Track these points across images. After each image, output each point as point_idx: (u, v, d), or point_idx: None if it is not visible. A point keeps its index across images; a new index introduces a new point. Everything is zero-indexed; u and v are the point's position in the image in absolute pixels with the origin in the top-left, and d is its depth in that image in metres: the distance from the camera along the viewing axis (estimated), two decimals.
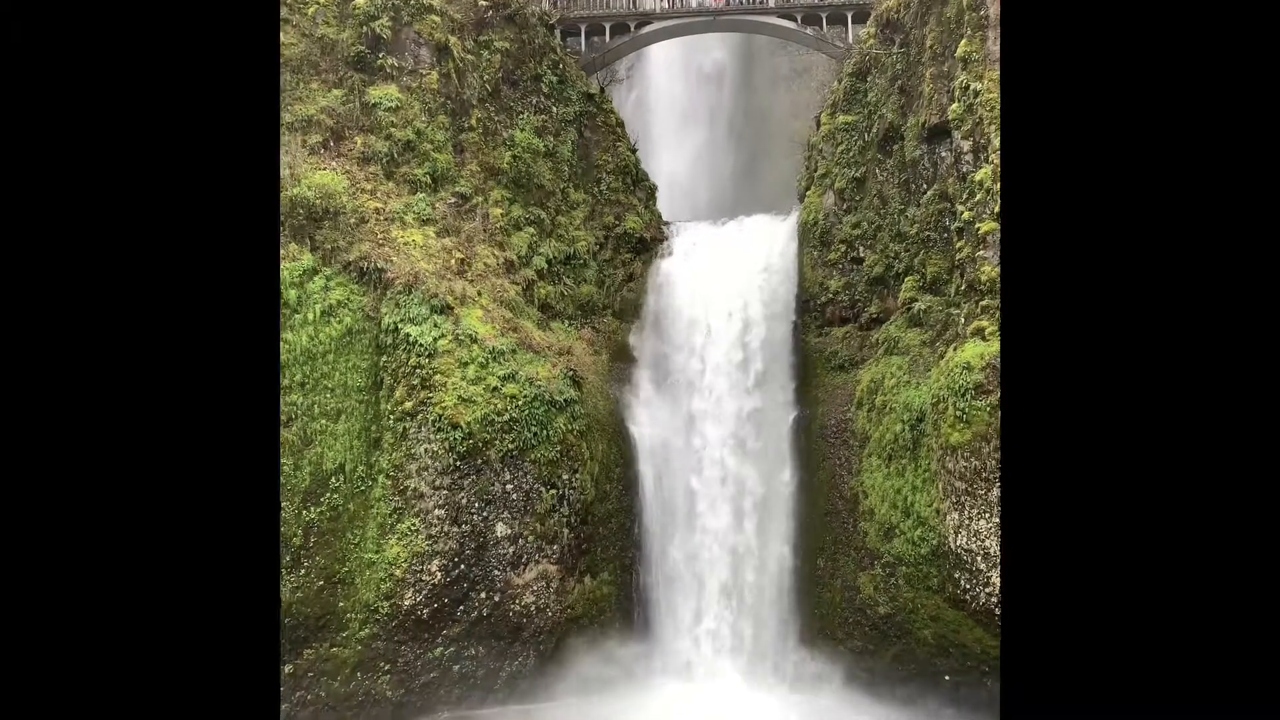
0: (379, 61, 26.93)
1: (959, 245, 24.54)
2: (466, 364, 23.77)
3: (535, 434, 23.76)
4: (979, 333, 22.77)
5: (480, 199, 27.21)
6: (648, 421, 27.04)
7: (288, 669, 22.30)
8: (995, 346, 21.98)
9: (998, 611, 21.35)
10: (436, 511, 22.96)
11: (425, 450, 23.10)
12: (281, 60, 26.04)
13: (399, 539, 22.86)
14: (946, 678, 22.59)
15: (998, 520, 21.42)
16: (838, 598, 24.53)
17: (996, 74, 23.63)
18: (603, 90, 32.03)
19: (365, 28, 26.95)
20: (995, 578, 21.48)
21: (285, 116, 25.57)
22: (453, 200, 26.73)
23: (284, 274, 23.78)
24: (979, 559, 21.69)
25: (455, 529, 22.97)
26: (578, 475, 24.39)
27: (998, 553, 21.40)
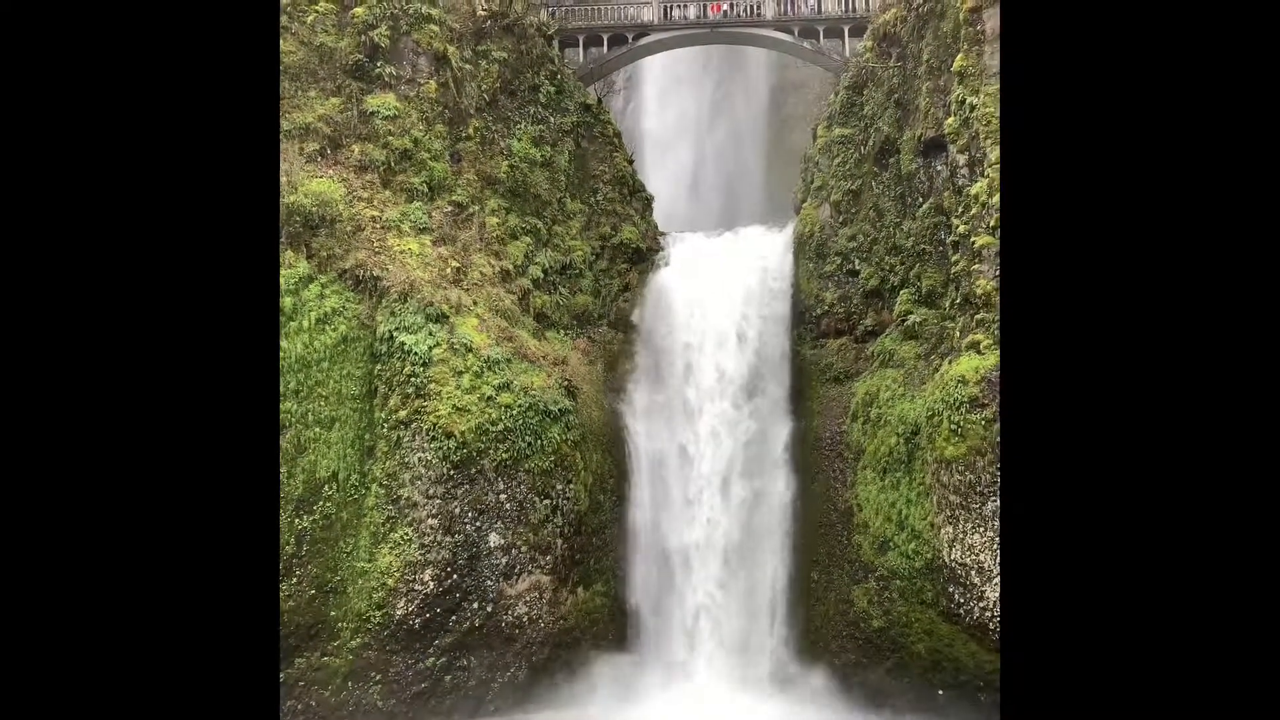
0: (377, 70, 26.96)
1: (954, 259, 24.60)
2: (461, 373, 23.73)
3: (529, 444, 23.71)
4: (974, 346, 22.80)
5: (477, 208, 27.21)
6: (642, 432, 27.01)
7: (279, 677, 22.16)
8: (990, 360, 22.00)
9: (992, 626, 21.32)
10: (429, 521, 22.88)
11: (419, 459, 23.04)
12: (280, 68, 26.04)
13: (391, 548, 22.77)
14: (940, 692, 22.53)
15: (992, 534, 21.41)
16: (831, 611, 24.48)
17: (992, 88, 23.73)
18: (600, 101, 32.09)
19: (364, 36, 26.97)
20: (989, 592, 21.46)
21: (283, 124, 25.55)
22: (449, 209, 26.73)
23: (280, 281, 23.72)
24: (973, 573, 21.67)
25: (448, 538, 22.90)
26: (572, 485, 24.34)
27: (992, 567, 21.39)
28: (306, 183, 24.91)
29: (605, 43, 32.46)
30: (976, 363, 22.30)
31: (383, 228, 25.47)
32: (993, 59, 24.01)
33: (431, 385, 23.43)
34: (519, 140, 28.79)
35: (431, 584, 22.72)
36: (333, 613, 22.73)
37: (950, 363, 23.21)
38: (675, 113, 44.14)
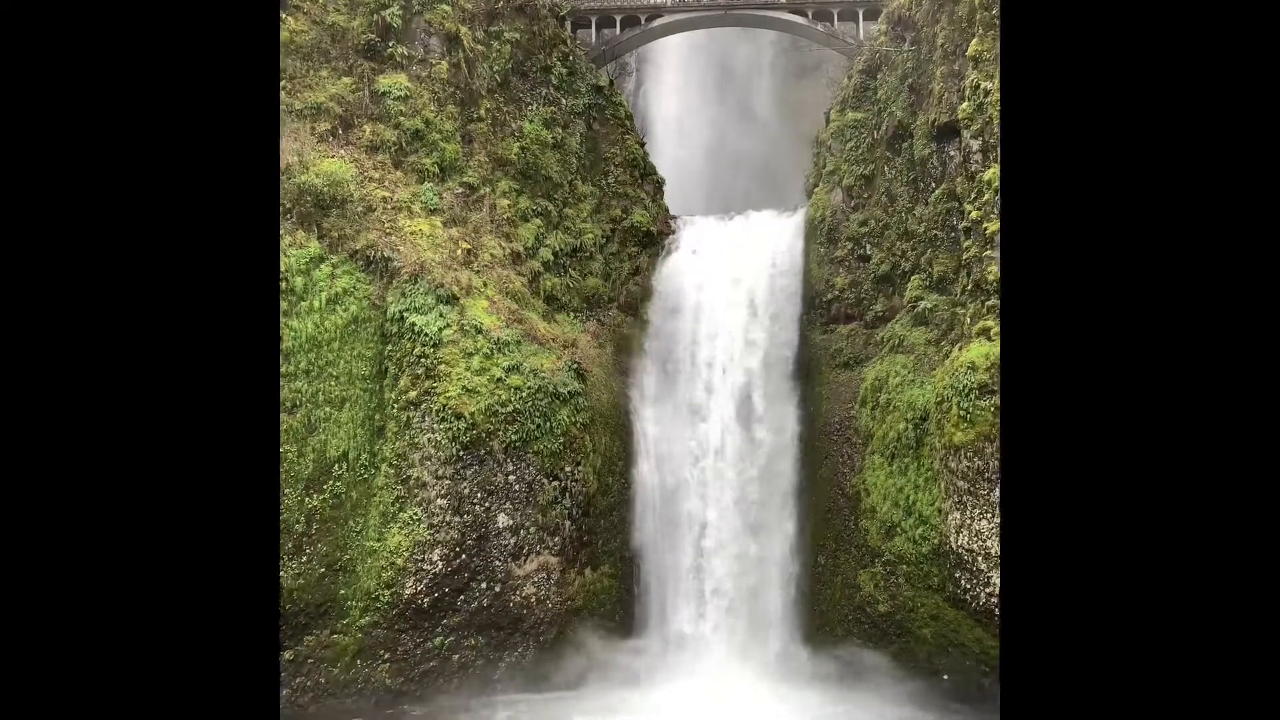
0: (389, 50, 26.91)
1: (966, 245, 24.50)
2: (471, 354, 23.79)
3: (538, 425, 23.78)
4: (984, 333, 22.75)
5: (488, 190, 27.19)
6: (651, 415, 27.04)
7: (288, 655, 22.36)
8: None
9: (998, 611, 21.35)
10: (439, 501, 23.00)
11: (428, 440, 23.13)
12: (292, 48, 26.03)
13: (401, 528, 22.90)
14: (945, 676, 22.60)
15: (999, 520, 21.41)
16: (838, 595, 24.54)
17: None
18: (612, 83, 31.98)
19: (376, 16, 26.92)
20: (996, 578, 21.48)
21: (295, 104, 25.56)
22: (460, 190, 26.72)
23: (291, 261, 23.80)
24: (980, 559, 21.70)
25: (457, 519, 23.02)
26: (580, 467, 24.42)
27: (998, 553, 21.40)
28: (318, 163, 24.93)
29: (618, 24, 32.32)
30: (986, 349, 22.25)
31: (394, 208, 25.50)
32: None
33: (441, 366, 23.50)
34: (530, 122, 28.73)
35: (440, 564, 22.85)
36: (342, 591, 22.90)
37: (960, 349, 23.17)
38: (688, 95, 43.94)
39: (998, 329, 22.43)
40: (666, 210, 30.51)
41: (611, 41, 32.54)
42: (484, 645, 23.25)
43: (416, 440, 23.19)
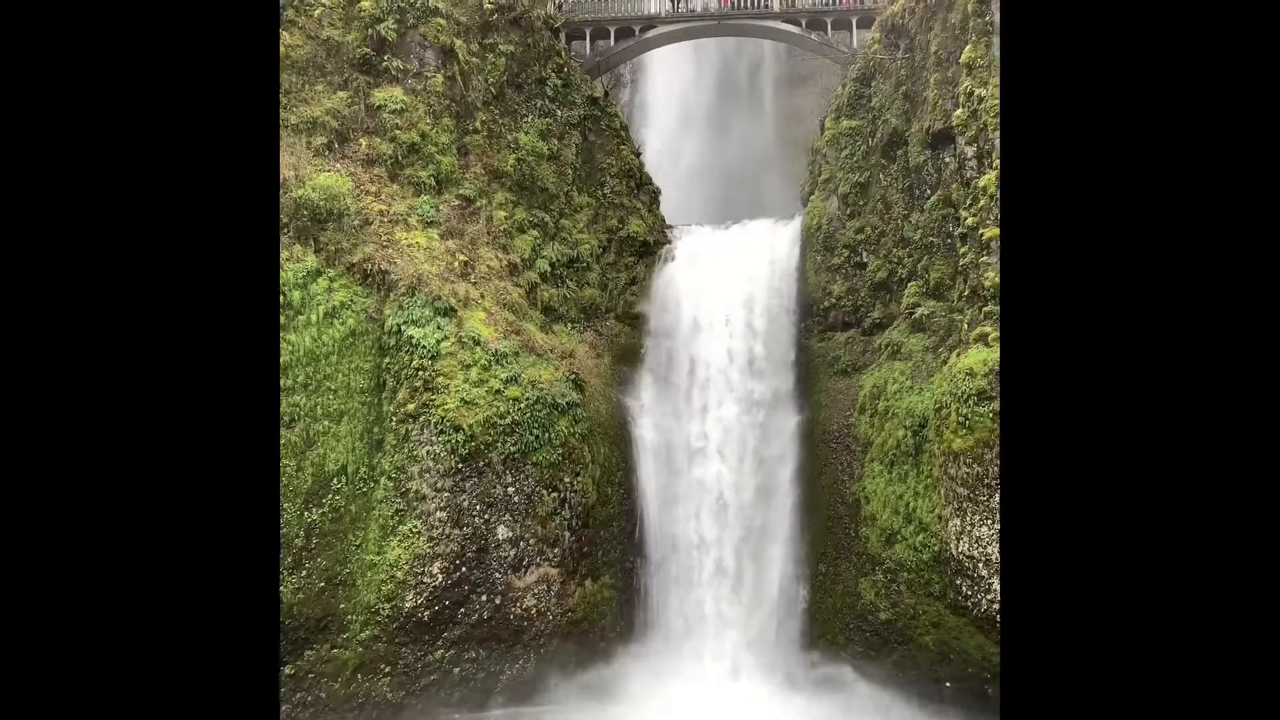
0: (384, 64, 26.97)
1: (962, 251, 24.55)
2: (469, 366, 23.79)
3: (537, 437, 23.77)
4: (982, 338, 22.78)
5: (484, 202, 27.23)
6: (649, 425, 27.04)
7: (289, 670, 22.30)
8: (998, 352, 21.96)
9: (999, 618, 21.32)
10: (438, 514, 22.97)
11: (427, 452, 23.11)
12: (287, 62, 26.09)
13: (400, 541, 22.87)
14: (947, 684, 22.56)
15: (999, 527, 21.39)
16: (839, 603, 24.51)
17: None
18: (607, 94, 32.05)
19: (371, 30, 26.99)
20: (997, 584, 21.45)
21: (290, 118, 25.60)
22: (457, 203, 26.76)
23: (288, 275, 23.80)
24: (980, 565, 21.67)
25: (456, 531, 22.98)
26: (579, 478, 24.40)
27: (999, 559, 21.38)
28: (314, 177, 24.97)
29: (612, 35, 32.41)
30: (985, 355, 22.27)
31: (390, 221, 25.52)
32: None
33: (439, 378, 23.50)
34: (526, 134, 28.78)
35: (440, 576, 22.81)
36: (342, 605, 22.84)
37: (958, 355, 23.19)
38: (682, 105, 44.05)
39: (995, 335, 22.46)
40: (663, 220, 30.56)
41: (606, 53, 32.63)
42: (485, 658, 23.20)
43: (415, 453, 23.17)
